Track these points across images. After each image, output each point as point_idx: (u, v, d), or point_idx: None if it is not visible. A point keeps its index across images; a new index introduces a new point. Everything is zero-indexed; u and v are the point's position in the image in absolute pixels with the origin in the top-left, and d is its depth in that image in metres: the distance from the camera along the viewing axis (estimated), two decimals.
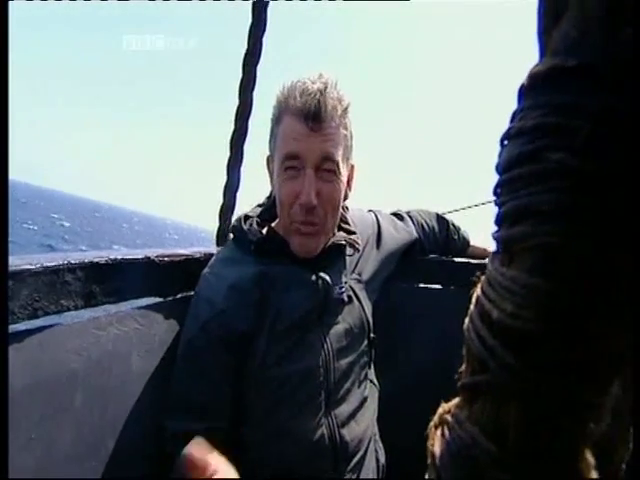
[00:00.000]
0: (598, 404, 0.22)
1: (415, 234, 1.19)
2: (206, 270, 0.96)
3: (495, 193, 0.27)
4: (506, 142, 0.26)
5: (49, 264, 0.81)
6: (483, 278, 0.27)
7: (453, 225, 1.27)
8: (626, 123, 0.21)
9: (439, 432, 0.27)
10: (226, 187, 1.27)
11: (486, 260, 0.98)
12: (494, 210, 0.27)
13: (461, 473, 0.24)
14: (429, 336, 1.26)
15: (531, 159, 0.23)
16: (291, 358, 0.88)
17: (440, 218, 1.26)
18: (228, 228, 1.26)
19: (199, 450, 0.55)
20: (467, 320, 0.27)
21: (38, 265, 0.79)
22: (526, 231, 0.23)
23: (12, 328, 0.77)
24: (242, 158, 1.27)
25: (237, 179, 1.26)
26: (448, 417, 0.27)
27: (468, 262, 1.24)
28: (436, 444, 0.27)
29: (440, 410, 0.28)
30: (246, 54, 1.20)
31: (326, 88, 0.87)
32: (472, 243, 1.29)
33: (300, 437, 0.87)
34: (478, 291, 0.27)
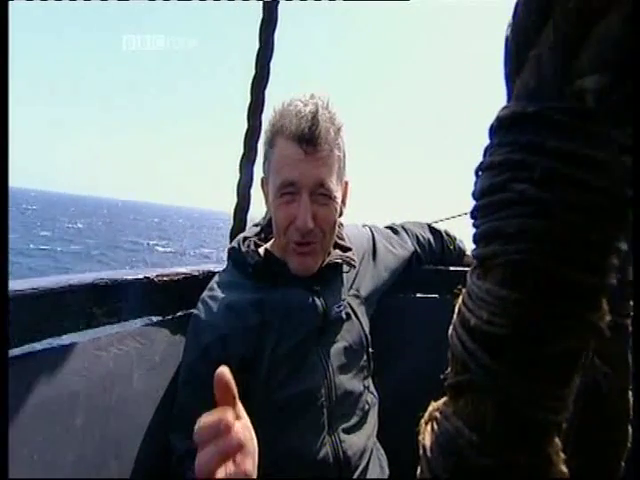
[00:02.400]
0: (561, 395, 0.26)
1: (411, 247, 1.20)
2: (206, 294, 0.96)
3: (472, 216, 0.31)
4: (480, 173, 0.30)
5: (51, 287, 0.83)
6: (464, 290, 0.31)
7: (448, 235, 1.29)
8: (575, 160, 0.26)
9: (429, 427, 0.31)
10: (236, 208, 1.28)
11: None
12: (472, 230, 0.32)
13: (449, 461, 0.28)
14: (427, 345, 1.28)
15: (499, 189, 0.28)
16: (292, 381, 0.89)
17: (433, 229, 1.28)
18: (244, 228, 1.26)
19: (230, 378, 0.57)
20: (451, 328, 0.31)
21: (40, 288, 0.81)
22: (496, 250, 0.27)
23: (15, 351, 0.79)
24: (255, 156, 1.27)
25: (250, 177, 1.26)
26: (437, 414, 0.31)
27: (464, 271, 1.26)
28: (426, 438, 0.30)
29: (430, 408, 0.32)
30: (259, 51, 1.21)
31: (318, 111, 0.87)
32: (468, 252, 1.31)
33: (304, 457, 0.88)
34: (460, 301, 0.31)
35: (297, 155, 0.87)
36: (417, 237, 1.23)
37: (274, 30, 1.22)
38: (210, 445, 0.53)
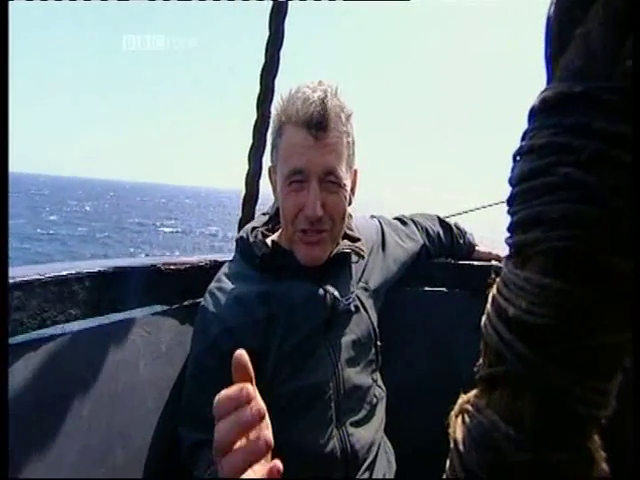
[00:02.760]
0: (604, 390, 0.25)
1: (420, 240, 1.19)
2: (213, 285, 0.95)
3: (508, 203, 0.30)
4: (518, 158, 0.29)
5: (57, 274, 0.83)
6: (498, 279, 0.30)
7: (458, 228, 1.27)
8: (624, 142, 0.24)
9: (460, 420, 0.30)
10: (248, 175, 1.27)
11: (491, 262, 1.01)
12: (507, 218, 0.31)
13: (484, 455, 0.27)
14: (434, 339, 1.28)
15: (542, 173, 0.26)
16: (300, 374, 0.88)
17: (443, 222, 1.27)
18: (252, 217, 1.25)
19: (247, 361, 0.56)
20: (484, 318, 0.30)
21: (47, 275, 0.81)
22: (538, 237, 0.26)
23: (22, 337, 0.79)
24: (264, 145, 1.27)
25: (259, 167, 1.26)
26: (468, 406, 0.30)
27: (472, 265, 1.25)
28: (457, 431, 0.29)
29: (460, 400, 0.31)
30: (268, 39, 1.19)
31: (327, 96, 0.86)
32: (478, 247, 1.29)
33: (312, 450, 0.87)
34: (494, 291, 0.30)
35: (306, 142, 0.85)
36: (426, 230, 1.22)
37: (284, 18, 1.21)
38: (231, 415, 0.52)
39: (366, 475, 0.92)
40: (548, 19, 0.29)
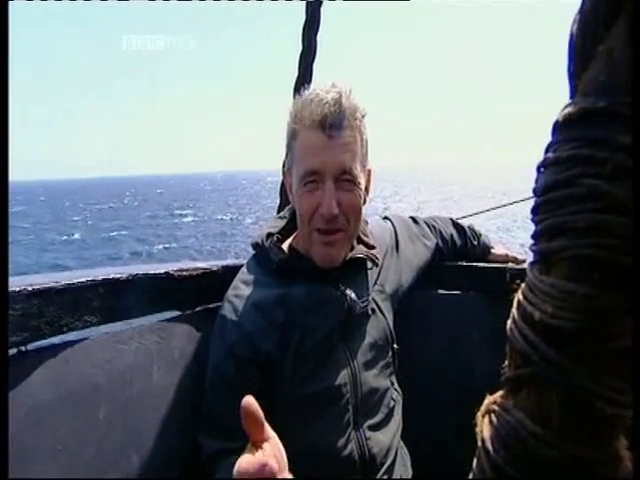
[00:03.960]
0: (627, 390, 0.26)
1: (434, 241, 1.18)
2: (230, 292, 0.96)
3: (533, 212, 0.31)
4: (542, 170, 0.30)
5: (73, 282, 0.84)
6: (523, 285, 0.31)
7: (472, 230, 1.26)
8: None
9: (487, 419, 0.31)
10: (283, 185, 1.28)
11: (507, 265, 1.01)
12: (531, 227, 0.32)
13: (511, 453, 0.28)
14: (449, 342, 1.27)
15: (566, 184, 0.28)
16: (318, 377, 0.89)
17: (456, 224, 1.25)
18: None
19: (256, 406, 0.57)
20: (509, 322, 0.31)
21: (62, 283, 0.83)
22: (563, 244, 0.28)
23: (38, 344, 0.81)
24: None
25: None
26: (494, 406, 0.31)
27: (487, 267, 1.24)
28: (485, 430, 0.31)
29: (486, 401, 0.32)
30: (301, 53, 1.19)
31: (341, 96, 0.87)
32: (494, 249, 1.28)
33: (330, 453, 0.88)
34: (519, 296, 0.31)
35: (320, 142, 0.86)
36: (440, 231, 1.21)
37: (321, 3, 1.21)
38: None
39: (384, 479, 0.92)
40: (571, 36, 0.30)
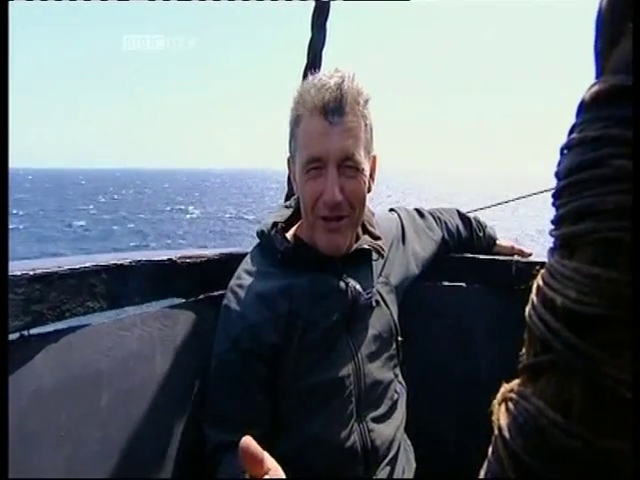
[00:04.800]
0: None
1: (440, 233, 1.18)
2: (234, 282, 0.96)
3: (555, 196, 0.30)
4: (566, 151, 0.29)
5: (76, 267, 0.84)
6: (543, 271, 0.31)
7: (478, 222, 1.26)
8: None
9: (503, 408, 0.30)
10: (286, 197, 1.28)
11: (513, 257, 1.01)
12: (552, 211, 0.31)
13: (530, 441, 0.27)
14: (453, 334, 1.27)
15: (594, 165, 0.27)
16: (321, 368, 0.89)
17: (462, 215, 1.26)
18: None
19: (254, 445, 0.57)
20: (528, 308, 0.31)
21: (65, 268, 0.82)
22: (589, 227, 0.27)
23: (41, 329, 0.80)
24: None
25: None
26: (512, 394, 0.30)
27: (493, 260, 1.24)
28: (501, 418, 0.30)
29: (502, 389, 0.31)
30: (311, 40, 1.18)
31: (344, 81, 0.85)
32: (499, 241, 1.28)
33: (333, 445, 0.88)
34: (539, 282, 0.30)
35: (323, 128, 0.85)
36: (446, 223, 1.21)
37: (326, 18, 1.21)
38: None
39: (386, 471, 0.92)
40: (599, 12, 0.29)
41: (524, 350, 0.31)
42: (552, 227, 0.31)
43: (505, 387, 0.31)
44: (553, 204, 0.30)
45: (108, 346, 0.88)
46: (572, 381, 0.27)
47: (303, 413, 0.89)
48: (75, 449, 0.81)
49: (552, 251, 0.30)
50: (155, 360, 0.97)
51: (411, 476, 1.00)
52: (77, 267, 0.84)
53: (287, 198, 1.30)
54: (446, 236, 1.20)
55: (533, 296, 0.30)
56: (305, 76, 1.19)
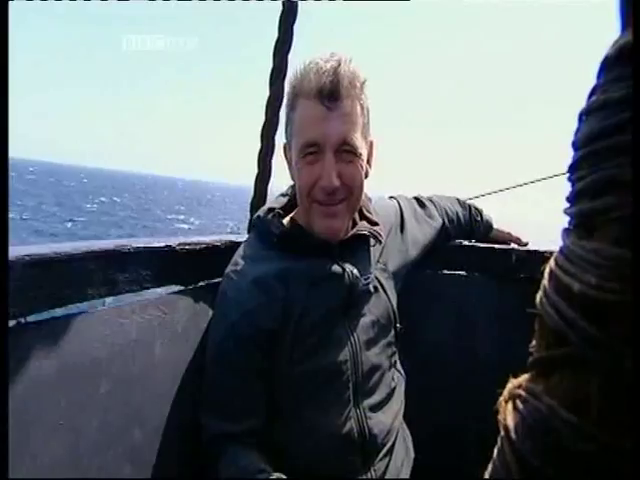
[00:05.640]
0: None
1: (440, 221, 1.17)
2: (230, 269, 0.94)
3: (571, 170, 0.27)
4: (585, 117, 0.26)
5: (74, 253, 0.82)
6: (556, 253, 0.27)
7: (476, 208, 1.25)
8: None
9: (510, 406, 0.27)
10: (257, 178, 1.26)
11: (512, 245, 0.99)
12: (567, 186, 0.28)
13: (539, 444, 0.24)
14: (452, 322, 1.26)
15: (617, 131, 0.23)
16: (318, 354, 0.88)
17: (462, 202, 1.25)
18: (265, 198, 1.25)
19: None
20: (539, 295, 0.27)
21: (63, 254, 0.80)
22: (611, 202, 0.23)
23: (39, 316, 0.79)
24: (273, 149, 1.26)
25: (269, 170, 1.25)
26: (520, 391, 0.27)
27: (493, 248, 1.23)
28: (508, 417, 0.27)
29: (509, 385, 0.28)
30: (277, 42, 1.18)
31: (340, 65, 0.84)
32: (495, 227, 1.28)
33: (330, 431, 0.87)
34: (552, 266, 0.27)
35: (319, 112, 0.84)
36: (445, 210, 1.19)
37: (294, 20, 1.19)
38: None
39: (385, 461, 0.91)
40: None
41: (534, 342, 0.28)
42: (567, 205, 0.27)
43: (512, 383, 0.28)
44: (569, 178, 0.27)
45: (107, 333, 0.87)
46: (589, 378, 0.24)
47: (300, 399, 0.88)
48: (74, 437, 0.81)
49: (567, 232, 0.27)
50: (154, 347, 0.96)
51: (410, 465, 0.99)
52: (75, 253, 0.83)
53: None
54: (446, 223, 1.19)
55: (545, 282, 0.27)
56: (272, 80, 1.18)
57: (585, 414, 0.23)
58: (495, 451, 0.28)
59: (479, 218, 1.23)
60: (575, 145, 0.26)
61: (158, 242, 1.00)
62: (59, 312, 0.82)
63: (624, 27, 0.25)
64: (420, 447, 1.04)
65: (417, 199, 1.19)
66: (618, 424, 0.23)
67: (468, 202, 1.27)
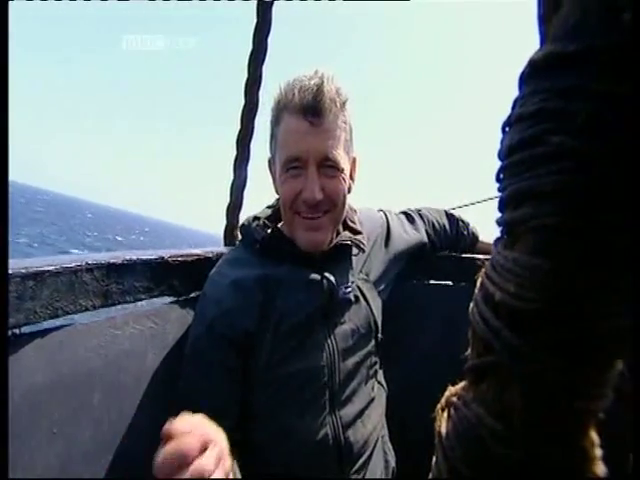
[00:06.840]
0: (600, 381, 0.23)
1: (425, 235, 1.18)
2: (213, 271, 0.97)
3: (498, 179, 0.27)
4: (507, 129, 0.26)
5: (68, 265, 0.83)
6: (487, 262, 0.28)
7: (462, 221, 1.26)
8: (624, 105, 0.22)
9: (445, 414, 0.27)
10: (233, 185, 1.27)
11: None
12: (497, 195, 0.28)
13: (467, 451, 0.25)
14: (439, 333, 1.25)
15: (532, 143, 0.24)
16: (295, 358, 0.88)
17: (449, 215, 1.25)
18: (236, 226, 1.26)
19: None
20: (472, 304, 0.28)
21: (58, 266, 0.81)
22: (528, 213, 0.24)
23: (34, 327, 0.79)
24: (249, 157, 1.27)
25: (244, 177, 1.26)
26: (454, 399, 0.27)
27: (479, 259, 1.23)
28: (442, 425, 0.27)
29: (447, 393, 0.29)
30: (251, 54, 1.20)
31: (323, 83, 0.86)
32: (481, 238, 1.28)
33: (304, 437, 0.87)
34: (482, 275, 0.27)
35: (302, 128, 0.86)
36: (433, 223, 1.20)
37: (272, 4, 1.19)
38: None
39: (361, 471, 0.90)
40: None
41: (469, 350, 0.28)
42: (498, 214, 0.28)
43: (450, 391, 0.29)
44: (498, 188, 0.28)
45: (100, 344, 0.88)
46: (513, 386, 0.24)
47: (276, 402, 0.88)
48: (67, 447, 0.81)
49: (496, 241, 0.27)
50: (147, 358, 0.97)
51: (389, 477, 0.98)
52: (70, 265, 0.84)
53: None
54: (433, 235, 1.19)
55: (476, 291, 0.28)
56: (247, 91, 1.20)
57: (509, 422, 0.24)
58: (433, 460, 0.28)
59: (465, 231, 1.25)
60: (499, 155, 0.27)
61: (150, 254, 1.01)
62: (53, 323, 0.83)
63: (543, 42, 0.26)
64: (404, 462, 1.03)
65: (404, 212, 1.21)
66: (541, 431, 0.23)
67: (456, 214, 1.28)
